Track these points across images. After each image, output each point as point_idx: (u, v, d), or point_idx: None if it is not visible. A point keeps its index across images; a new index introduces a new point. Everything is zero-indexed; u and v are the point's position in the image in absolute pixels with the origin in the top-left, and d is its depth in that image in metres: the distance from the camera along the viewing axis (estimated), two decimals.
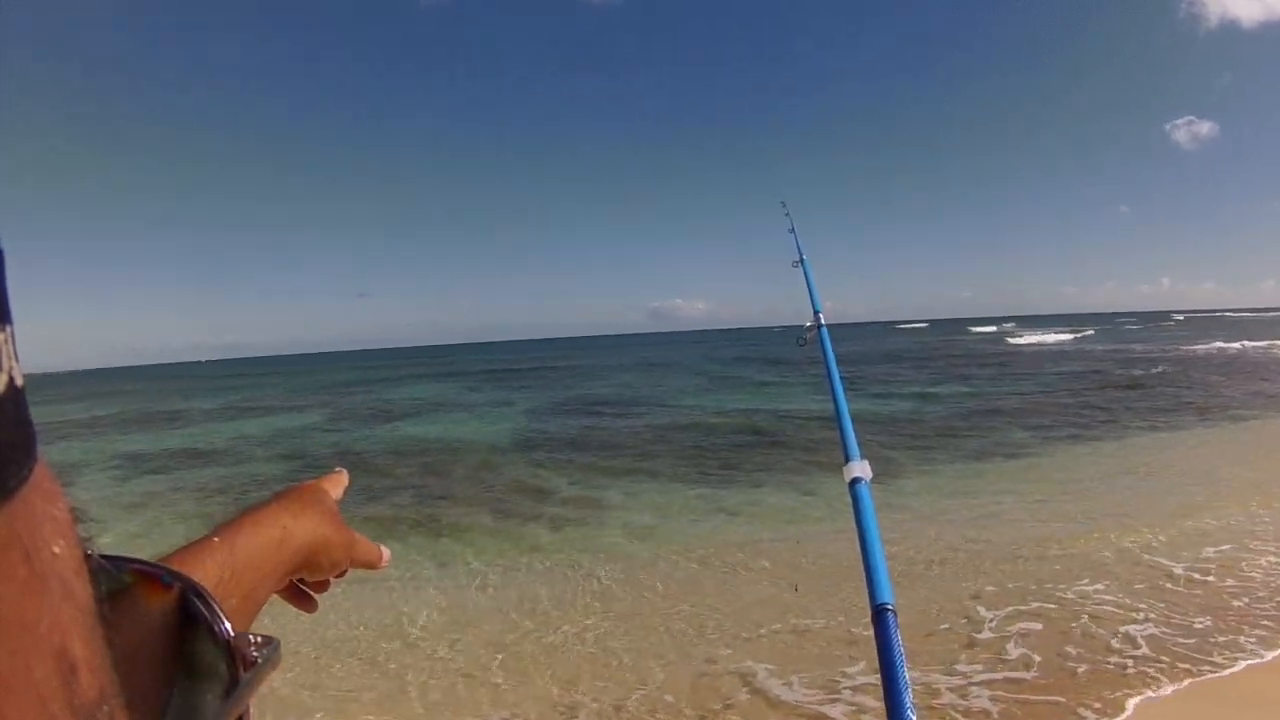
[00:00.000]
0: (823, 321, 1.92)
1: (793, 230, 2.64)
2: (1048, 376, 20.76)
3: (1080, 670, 3.79)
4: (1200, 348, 29.28)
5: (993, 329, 72.22)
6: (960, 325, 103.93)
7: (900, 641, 0.81)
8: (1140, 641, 4.08)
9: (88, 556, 0.22)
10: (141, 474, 12.87)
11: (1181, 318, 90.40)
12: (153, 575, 0.34)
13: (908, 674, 0.76)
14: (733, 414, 16.19)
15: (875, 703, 3.42)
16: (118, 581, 0.32)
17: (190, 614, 0.34)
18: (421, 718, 3.89)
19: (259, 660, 0.35)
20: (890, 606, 0.87)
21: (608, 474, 10.29)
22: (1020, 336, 48.04)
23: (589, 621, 5.04)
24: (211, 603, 0.35)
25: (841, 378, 1.61)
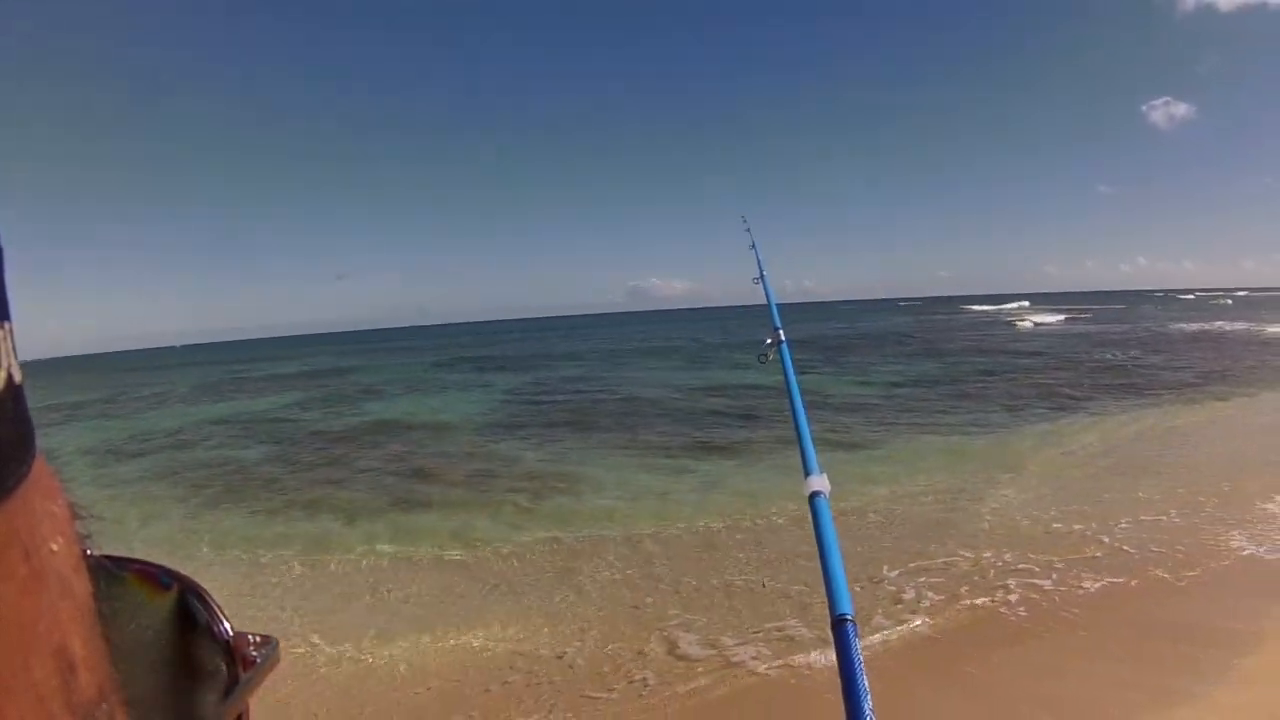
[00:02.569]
0: (783, 337, 1.98)
1: (754, 246, 2.70)
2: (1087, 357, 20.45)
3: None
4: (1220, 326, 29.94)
5: (990, 308, 68.97)
6: (951, 304, 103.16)
7: (859, 650, 0.85)
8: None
9: (86, 555, 0.22)
10: (118, 461, 12.64)
11: (1192, 297, 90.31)
12: (152, 575, 0.34)
13: (867, 681, 0.80)
14: (704, 394, 16.46)
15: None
16: (117, 581, 0.32)
17: (189, 614, 0.34)
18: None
19: (258, 660, 0.35)
20: (849, 617, 0.91)
21: (582, 453, 10.50)
22: (1028, 317, 44.58)
23: (559, 590, 5.42)
24: (210, 602, 0.35)
25: (801, 393, 1.66)
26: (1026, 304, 74.96)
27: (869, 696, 0.78)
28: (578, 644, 4.49)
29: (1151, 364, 18.02)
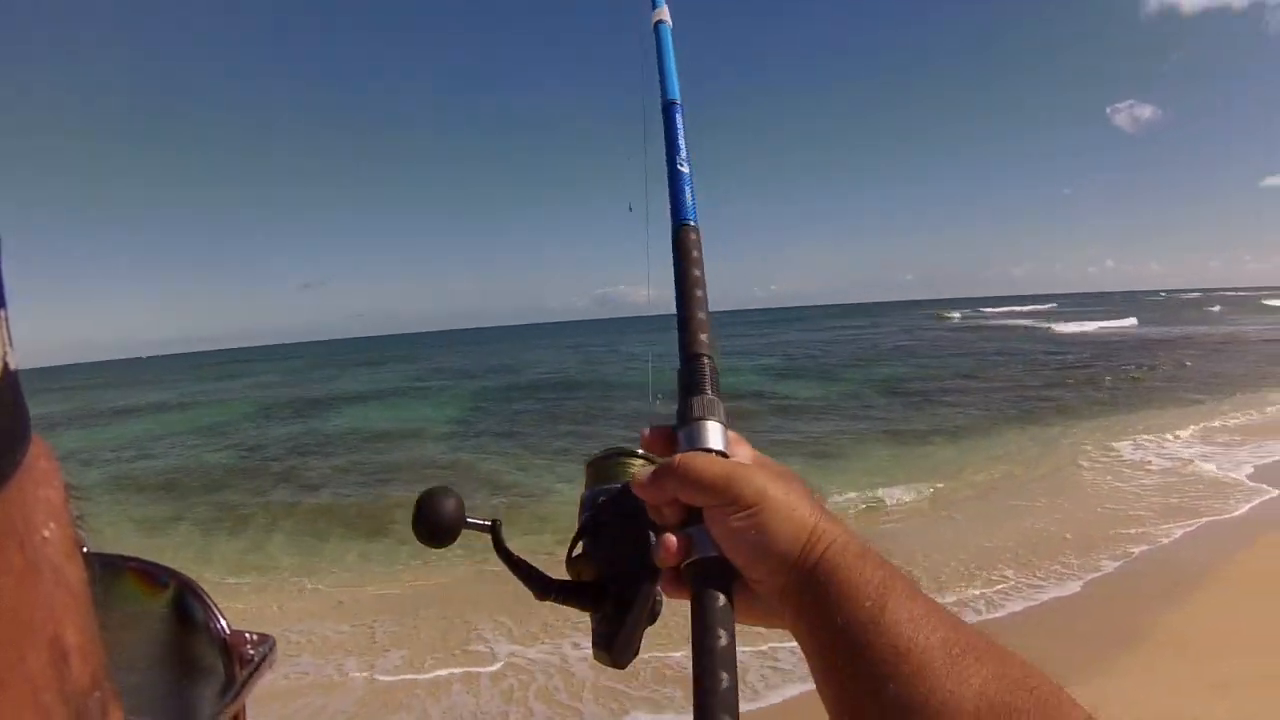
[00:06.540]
0: None
1: None
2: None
3: None
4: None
5: (997, 310, 62.39)
6: (930, 308, 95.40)
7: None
8: None
9: (81, 541, 0.22)
10: (85, 469, 12.61)
11: (1196, 295, 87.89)
12: (149, 573, 0.34)
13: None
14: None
15: None
16: (114, 579, 0.33)
17: (186, 612, 0.34)
18: None
19: (255, 658, 0.35)
20: None
21: (545, 459, 10.63)
22: (1078, 324, 35.94)
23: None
24: (208, 600, 0.35)
25: None
26: (1054, 305, 65.21)
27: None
28: None
29: None
